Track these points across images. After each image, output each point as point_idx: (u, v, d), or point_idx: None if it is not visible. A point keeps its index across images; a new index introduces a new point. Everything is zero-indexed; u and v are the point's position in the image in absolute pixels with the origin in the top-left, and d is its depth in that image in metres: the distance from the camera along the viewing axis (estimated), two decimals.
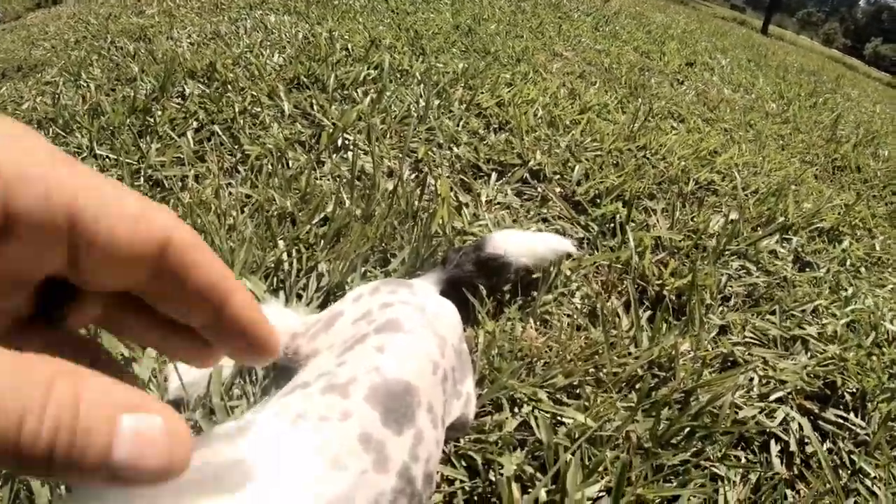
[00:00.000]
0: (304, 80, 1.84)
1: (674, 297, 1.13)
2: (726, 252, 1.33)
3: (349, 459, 0.50)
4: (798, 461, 1.01)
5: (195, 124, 1.51)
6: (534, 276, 1.08)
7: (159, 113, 1.53)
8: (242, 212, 1.14)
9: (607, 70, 2.69)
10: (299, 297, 0.97)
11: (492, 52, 2.50)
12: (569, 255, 1.15)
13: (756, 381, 1.08)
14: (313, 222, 1.13)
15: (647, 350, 0.95)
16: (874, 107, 4.58)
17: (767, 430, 1.00)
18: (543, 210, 1.35)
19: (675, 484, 0.81)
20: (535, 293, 1.04)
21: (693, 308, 1.08)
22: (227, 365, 0.75)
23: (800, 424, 1.04)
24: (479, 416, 0.78)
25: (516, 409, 0.80)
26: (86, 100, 1.57)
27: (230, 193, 1.21)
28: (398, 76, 2.00)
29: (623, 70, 2.75)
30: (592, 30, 3.64)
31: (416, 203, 1.21)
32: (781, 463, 1.01)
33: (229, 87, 1.72)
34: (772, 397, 1.06)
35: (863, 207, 1.93)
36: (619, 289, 1.13)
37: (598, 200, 1.42)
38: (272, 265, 1.01)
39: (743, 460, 0.95)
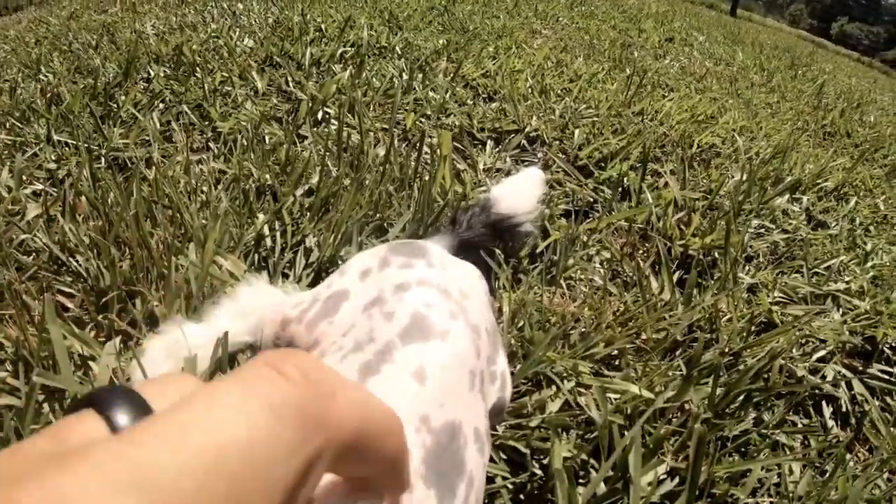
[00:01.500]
0: (277, 59, 1.66)
1: (701, 257, 0.99)
2: (742, 211, 1.20)
3: None
4: (853, 421, 0.89)
5: (161, 106, 1.33)
6: (548, 241, 0.93)
7: (122, 98, 1.35)
8: (216, 188, 0.97)
9: (590, 45, 2.56)
10: (286, 275, 0.81)
11: (471, 29, 2.35)
12: (585, 216, 1.01)
13: (796, 341, 0.96)
14: (297, 193, 0.97)
15: (688, 312, 0.80)
16: (850, 80, 4.53)
17: (819, 390, 0.87)
18: (548, 175, 1.20)
19: (740, 458, 0.67)
20: (553, 257, 0.89)
21: (726, 267, 0.94)
22: (200, 357, 0.58)
23: (849, 382, 0.91)
24: (515, 398, 0.63)
25: (556, 386, 0.65)
26: (44, 92, 1.37)
27: (201, 170, 1.04)
28: (377, 52, 1.84)
29: (605, 44, 2.62)
30: (568, 9, 3.51)
31: (412, 169, 1.05)
32: (837, 425, 0.88)
33: (197, 69, 1.54)
34: (814, 356, 0.93)
35: (862, 169, 1.83)
36: (642, 251, 0.99)
37: (604, 164, 1.28)
38: (252, 242, 0.84)
39: (799, 425, 0.83)
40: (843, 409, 0.89)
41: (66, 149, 1.16)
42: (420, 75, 1.66)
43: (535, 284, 0.80)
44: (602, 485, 0.56)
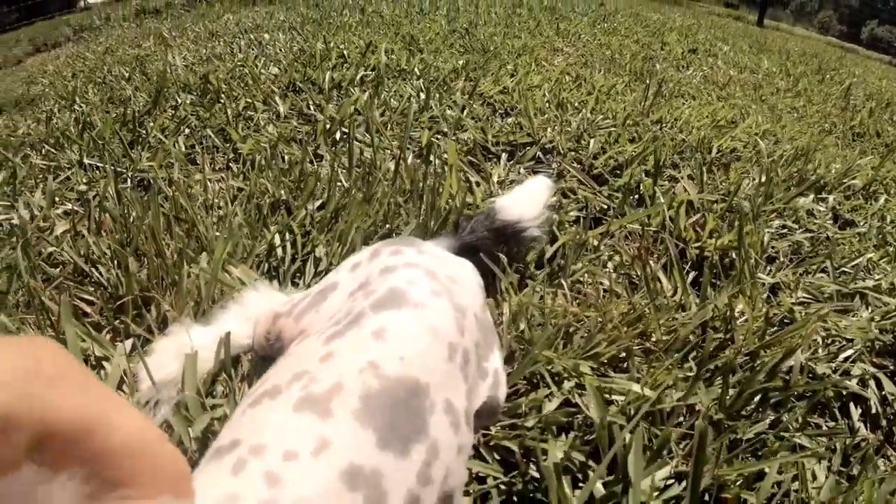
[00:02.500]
0: (300, 84, 1.71)
1: (716, 259, 0.96)
2: (763, 212, 1.16)
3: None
4: (884, 423, 0.83)
5: (187, 131, 1.38)
6: (556, 246, 0.92)
7: (151, 125, 1.41)
8: (232, 203, 1.00)
9: (611, 60, 2.55)
10: (295, 284, 0.82)
11: (491, 49, 2.37)
12: (597, 223, 1.00)
13: (820, 341, 0.91)
14: (309, 207, 0.98)
15: (700, 311, 0.78)
16: (880, 82, 4.38)
17: (845, 390, 0.83)
18: (561, 183, 1.20)
19: (755, 460, 0.64)
20: (561, 261, 0.88)
21: (742, 266, 0.91)
22: (203, 358, 0.59)
23: (879, 382, 0.86)
24: (511, 398, 0.62)
25: (555, 387, 0.63)
26: (78, 120, 1.45)
27: (220, 188, 1.07)
28: (396, 75, 1.88)
29: (627, 58, 2.61)
30: (590, 27, 3.51)
31: (422, 182, 1.06)
32: (866, 427, 0.83)
33: (223, 96, 1.60)
34: (841, 356, 0.89)
35: (892, 167, 1.76)
36: (656, 254, 0.97)
37: (619, 171, 1.26)
38: (264, 252, 0.86)
39: (824, 428, 0.78)
40: (874, 411, 0.84)
41: (97, 172, 1.21)
42: (437, 95, 1.68)
43: (540, 287, 0.79)
44: (600, 486, 0.54)
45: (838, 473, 0.69)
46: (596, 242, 0.95)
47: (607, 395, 0.62)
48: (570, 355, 0.66)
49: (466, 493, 0.52)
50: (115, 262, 0.80)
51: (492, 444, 0.57)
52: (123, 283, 0.75)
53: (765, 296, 0.93)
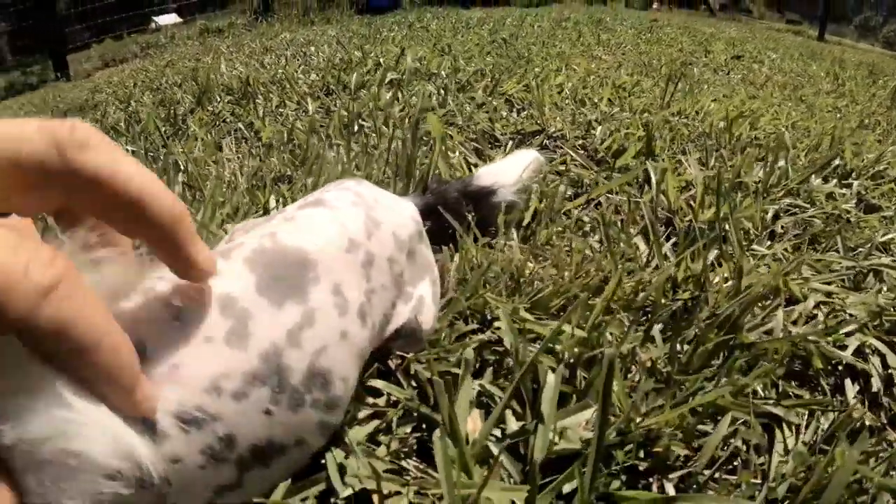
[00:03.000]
0: (332, 87, 1.81)
1: (705, 228, 0.93)
2: (773, 190, 1.11)
3: (191, 315, 0.37)
4: (886, 403, 0.76)
5: (221, 124, 1.50)
6: (530, 211, 0.92)
7: (191, 121, 1.54)
8: (241, 176, 1.08)
9: (646, 64, 2.51)
10: None
11: (525, 56, 2.40)
12: (575, 190, 0.99)
13: (821, 316, 0.85)
14: (308, 181, 1.04)
15: (667, 270, 0.76)
16: None
17: (840, 363, 0.76)
18: (561, 167, 1.20)
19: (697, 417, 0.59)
20: (534, 226, 0.88)
21: (719, 226, 0.87)
22: None
23: (884, 359, 0.78)
24: (438, 332, 0.62)
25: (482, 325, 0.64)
26: (129, 117, 1.60)
27: (235, 167, 1.15)
28: (425, 78, 1.94)
29: (662, 61, 2.56)
30: (635, 37, 3.47)
31: (409, 161, 1.09)
32: (864, 406, 0.76)
33: (259, 97, 1.72)
34: (841, 331, 0.82)
35: None
36: (640, 225, 0.95)
37: (620, 155, 1.25)
38: (261, 213, 0.93)
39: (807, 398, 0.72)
40: (874, 389, 0.77)
41: (136, 156, 1.34)
42: (461, 95, 1.72)
43: (498, 243, 0.80)
44: (511, 417, 0.54)
45: (815, 448, 0.62)
46: (577, 212, 0.95)
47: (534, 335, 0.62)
48: (511, 301, 0.66)
49: (378, 415, 0.54)
50: None
51: (405, 367, 0.57)
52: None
53: (753, 262, 0.88)
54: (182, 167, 1.14)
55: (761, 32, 6.04)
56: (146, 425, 0.33)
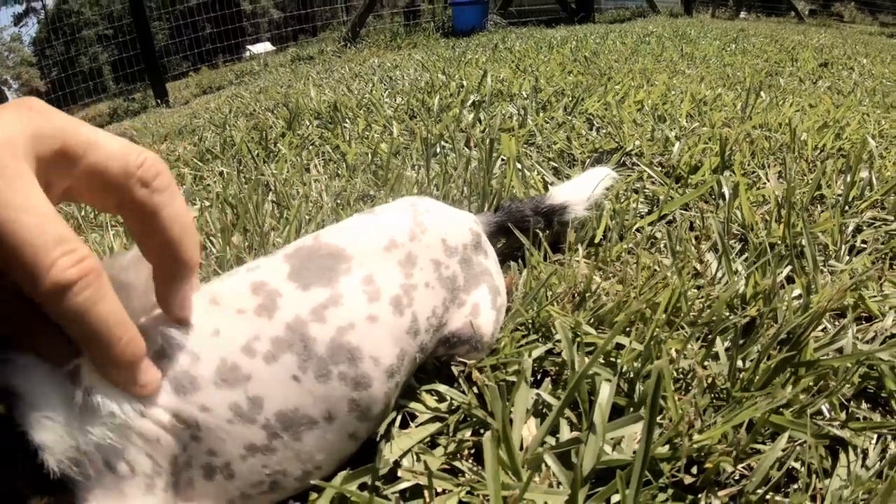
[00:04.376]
0: (416, 110, 1.92)
1: (778, 243, 0.91)
2: (855, 202, 1.07)
3: (228, 300, 0.46)
4: None
5: (310, 147, 1.63)
6: (601, 227, 0.94)
7: (281, 144, 1.69)
8: (326, 196, 1.18)
9: (729, 76, 2.44)
10: None
11: (607, 73, 2.41)
12: (649, 206, 1.00)
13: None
14: (390, 200, 1.13)
15: (733, 285, 0.76)
16: None
17: None
18: (638, 184, 1.21)
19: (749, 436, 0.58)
20: (605, 242, 0.91)
21: (805, 247, 0.85)
22: None
23: None
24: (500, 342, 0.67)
25: (543, 338, 0.67)
26: (225, 142, 1.79)
27: (322, 187, 1.26)
28: (508, 99, 2.00)
29: (746, 72, 2.48)
30: (720, 50, 3.36)
31: (484, 181, 1.15)
32: None
33: (347, 121, 1.85)
34: None
35: None
36: (712, 240, 0.95)
37: (698, 168, 1.24)
38: None
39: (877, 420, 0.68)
40: None
41: (230, 178, 1.49)
42: (541, 114, 1.77)
43: (565, 259, 0.84)
44: (566, 426, 0.57)
45: (881, 472, 0.59)
46: (649, 228, 0.96)
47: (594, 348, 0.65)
48: (574, 315, 0.70)
49: (439, 419, 0.59)
50: (223, 234, 1.00)
51: (472, 377, 0.62)
52: (226, 251, 0.94)
53: (828, 279, 0.85)
54: (272, 187, 1.26)
55: (852, 37, 5.61)
56: (185, 379, 0.42)
